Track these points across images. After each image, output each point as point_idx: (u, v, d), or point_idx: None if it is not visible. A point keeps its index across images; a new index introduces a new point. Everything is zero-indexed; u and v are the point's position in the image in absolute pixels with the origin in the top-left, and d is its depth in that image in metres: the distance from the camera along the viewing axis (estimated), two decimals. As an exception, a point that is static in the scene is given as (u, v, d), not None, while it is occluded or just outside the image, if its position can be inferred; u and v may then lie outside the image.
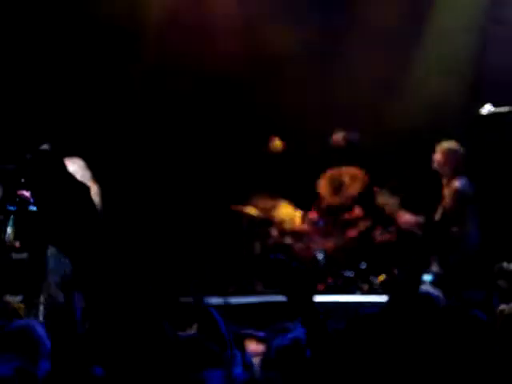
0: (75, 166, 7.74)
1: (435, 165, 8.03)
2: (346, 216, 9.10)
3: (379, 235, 8.78)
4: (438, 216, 7.99)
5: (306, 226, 9.25)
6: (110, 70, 9.73)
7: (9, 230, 7.83)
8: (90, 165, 7.44)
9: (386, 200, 8.34)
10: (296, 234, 9.27)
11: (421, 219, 8.11)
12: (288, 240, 9.22)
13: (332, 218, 9.17)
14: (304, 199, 9.44)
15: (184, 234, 9.38)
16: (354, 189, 9.14)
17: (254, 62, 9.58)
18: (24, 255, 8.76)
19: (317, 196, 9.37)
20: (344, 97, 9.32)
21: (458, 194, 7.88)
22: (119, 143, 9.72)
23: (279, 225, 9.43)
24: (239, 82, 9.62)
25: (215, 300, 8.14)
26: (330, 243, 8.99)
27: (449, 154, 7.98)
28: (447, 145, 8.03)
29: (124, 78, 9.76)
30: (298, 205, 9.42)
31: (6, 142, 9.11)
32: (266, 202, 9.50)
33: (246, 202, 9.42)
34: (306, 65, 9.79)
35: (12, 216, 7.79)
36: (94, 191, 7.84)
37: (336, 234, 9.04)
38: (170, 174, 9.72)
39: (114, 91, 9.76)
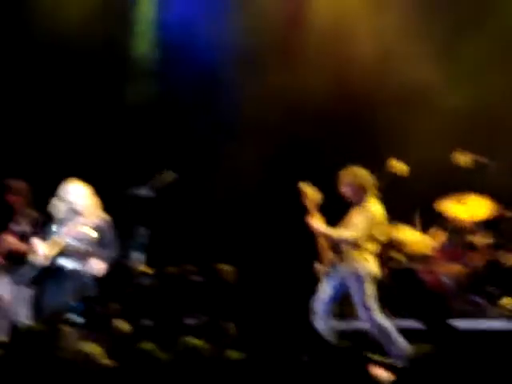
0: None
1: None
2: (473, 239, 8.93)
3: (507, 259, 8.59)
4: None
5: (431, 250, 9.11)
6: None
7: (138, 254, 8.00)
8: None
9: None
10: (421, 258, 9.14)
11: None
12: (412, 264, 9.09)
13: (458, 242, 9.00)
14: (426, 222, 9.30)
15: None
16: (481, 212, 8.97)
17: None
18: (152, 280, 8.96)
19: (441, 219, 9.22)
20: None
21: None
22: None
23: (402, 248, 9.30)
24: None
25: (338, 324, 8.11)
26: (456, 267, 8.82)
27: None
28: None
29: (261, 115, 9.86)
30: (420, 228, 9.28)
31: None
32: (387, 225, 9.40)
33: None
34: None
35: (142, 241, 7.95)
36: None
37: (462, 257, 8.87)
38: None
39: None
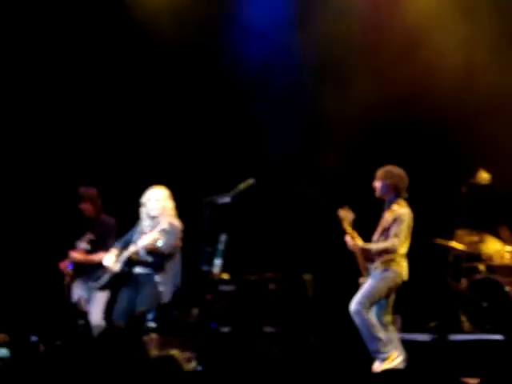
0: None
1: None
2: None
3: None
4: None
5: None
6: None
7: (217, 261, 7.99)
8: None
9: None
10: (505, 270, 8.95)
11: None
12: (497, 276, 8.90)
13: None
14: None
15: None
16: None
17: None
18: (232, 287, 8.94)
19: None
20: None
21: None
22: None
23: (487, 260, 9.12)
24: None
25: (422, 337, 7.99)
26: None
27: None
28: None
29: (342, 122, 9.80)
30: (507, 239, 9.08)
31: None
32: (471, 237, 9.22)
33: (451, 236, 9.16)
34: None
35: (222, 248, 7.95)
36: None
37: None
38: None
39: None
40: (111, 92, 10.11)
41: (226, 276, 8.81)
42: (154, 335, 7.25)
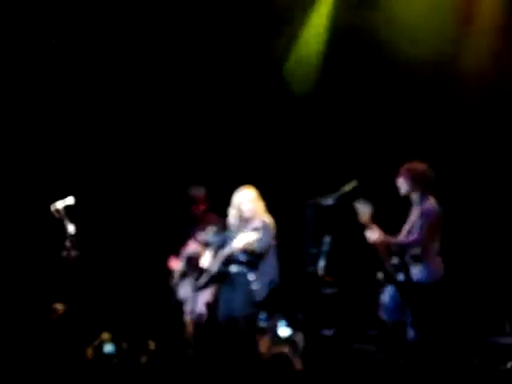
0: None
1: None
2: None
3: None
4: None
5: None
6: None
7: (321, 263, 8.01)
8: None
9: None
10: None
11: None
12: None
13: None
14: None
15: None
16: None
17: None
18: (335, 290, 8.94)
19: None
20: None
21: None
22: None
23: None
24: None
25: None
26: None
27: None
28: None
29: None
30: None
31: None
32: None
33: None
34: None
35: (325, 250, 7.97)
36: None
37: None
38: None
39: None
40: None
41: (329, 279, 8.83)
42: (266, 334, 7.33)
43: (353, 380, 5.17)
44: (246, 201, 8.19)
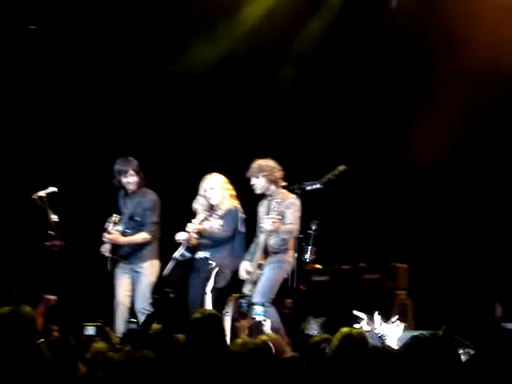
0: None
1: None
2: None
3: None
4: None
5: None
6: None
7: (309, 249, 7.89)
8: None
9: None
10: None
11: None
12: None
13: None
14: None
15: None
16: None
17: None
18: (325, 278, 8.82)
19: None
20: None
21: None
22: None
23: None
24: None
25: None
26: None
27: None
28: None
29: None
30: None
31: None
32: None
33: None
34: None
35: (313, 236, 7.85)
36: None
37: None
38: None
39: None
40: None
41: (318, 266, 8.72)
42: (246, 321, 7.18)
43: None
44: (212, 187, 8.14)
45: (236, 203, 8.18)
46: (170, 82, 10.22)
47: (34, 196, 8.44)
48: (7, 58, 9.89)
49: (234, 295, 7.61)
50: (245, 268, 7.89)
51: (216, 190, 8.17)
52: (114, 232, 8.23)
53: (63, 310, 8.00)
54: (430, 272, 8.90)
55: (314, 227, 7.87)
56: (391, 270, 8.40)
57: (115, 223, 8.24)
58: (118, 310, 8.24)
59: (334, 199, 9.03)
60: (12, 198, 9.74)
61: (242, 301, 7.43)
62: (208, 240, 8.07)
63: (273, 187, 7.92)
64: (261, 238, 7.83)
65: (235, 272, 7.97)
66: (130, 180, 8.32)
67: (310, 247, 7.88)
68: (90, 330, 6.64)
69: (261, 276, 7.77)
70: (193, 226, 8.02)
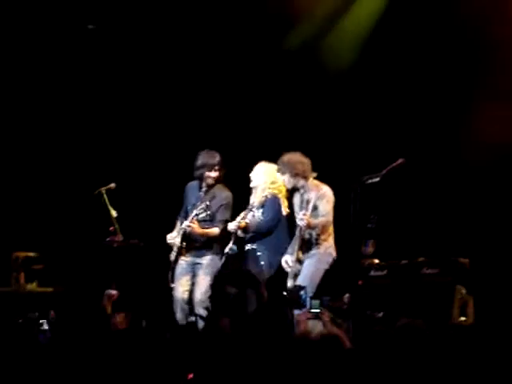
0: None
1: None
2: None
3: None
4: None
5: None
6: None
7: (368, 243, 7.87)
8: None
9: None
10: None
11: None
12: None
13: None
14: None
15: None
16: None
17: None
18: (383, 272, 8.76)
19: None
20: None
21: None
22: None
23: None
24: None
25: None
26: None
27: None
28: None
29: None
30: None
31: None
32: None
33: None
34: None
35: (371, 230, 7.81)
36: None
37: None
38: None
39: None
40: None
41: (377, 261, 8.67)
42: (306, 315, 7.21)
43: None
44: (257, 172, 8.28)
45: (277, 193, 8.19)
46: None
47: (95, 192, 8.56)
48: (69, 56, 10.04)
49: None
50: (285, 261, 7.96)
51: (259, 176, 8.30)
52: (195, 222, 8.28)
53: (125, 304, 8.12)
54: (492, 267, 8.79)
55: (372, 221, 7.83)
56: (451, 265, 8.30)
57: (197, 215, 8.28)
58: (178, 304, 8.32)
59: (393, 192, 8.95)
60: (73, 195, 9.88)
61: (302, 293, 7.46)
62: (253, 232, 8.21)
63: (301, 181, 7.97)
64: (297, 232, 7.89)
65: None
66: (213, 175, 8.39)
67: (368, 241, 7.85)
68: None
69: (300, 271, 7.84)
70: (235, 223, 8.15)
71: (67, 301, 8.46)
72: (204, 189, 8.45)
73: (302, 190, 8.02)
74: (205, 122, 10.14)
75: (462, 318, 7.75)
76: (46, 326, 7.68)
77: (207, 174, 8.36)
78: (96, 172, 9.71)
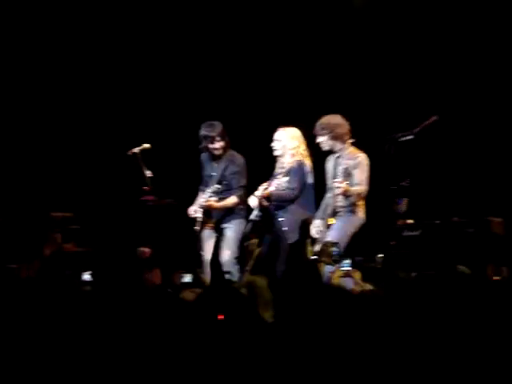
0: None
1: None
2: None
3: None
4: None
5: None
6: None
7: (401, 202, 7.82)
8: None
9: None
10: None
11: None
12: None
13: None
14: None
15: None
16: None
17: None
18: (416, 232, 8.73)
19: None
20: None
21: None
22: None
23: None
24: None
25: None
26: None
27: None
28: None
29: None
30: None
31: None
32: None
33: None
34: None
35: (405, 188, 7.78)
36: None
37: None
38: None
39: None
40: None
41: (410, 221, 8.64)
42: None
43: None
44: (280, 139, 8.14)
45: (302, 158, 8.14)
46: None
47: (129, 152, 8.60)
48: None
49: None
50: (317, 226, 7.89)
51: (282, 142, 8.15)
52: (211, 200, 8.32)
53: (158, 262, 8.20)
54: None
55: (406, 180, 7.79)
56: (485, 225, 8.26)
57: (214, 193, 8.32)
58: (207, 266, 8.38)
59: (427, 150, 8.89)
60: (108, 155, 9.98)
61: (334, 249, 7.45)
62: (277, 202, 8.12)
63: (339, 144, 7.87)
64: (329, 198, 7.85)
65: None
66: (217, 145, 8.36)
67: (401, 200, 7.82)
68: (187, 278, 6.80)
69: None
70: (258, 194, 8.08)
71: (103, 260, 8.55)
72: (215, 160, 8.47)
73: (337, 154, 7.94)
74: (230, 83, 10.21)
75: (497, 277, 7.71)
76: (87, 277, 7.82)
77: (210, 146, 8.36)
78: (131, 132, 9.78)
